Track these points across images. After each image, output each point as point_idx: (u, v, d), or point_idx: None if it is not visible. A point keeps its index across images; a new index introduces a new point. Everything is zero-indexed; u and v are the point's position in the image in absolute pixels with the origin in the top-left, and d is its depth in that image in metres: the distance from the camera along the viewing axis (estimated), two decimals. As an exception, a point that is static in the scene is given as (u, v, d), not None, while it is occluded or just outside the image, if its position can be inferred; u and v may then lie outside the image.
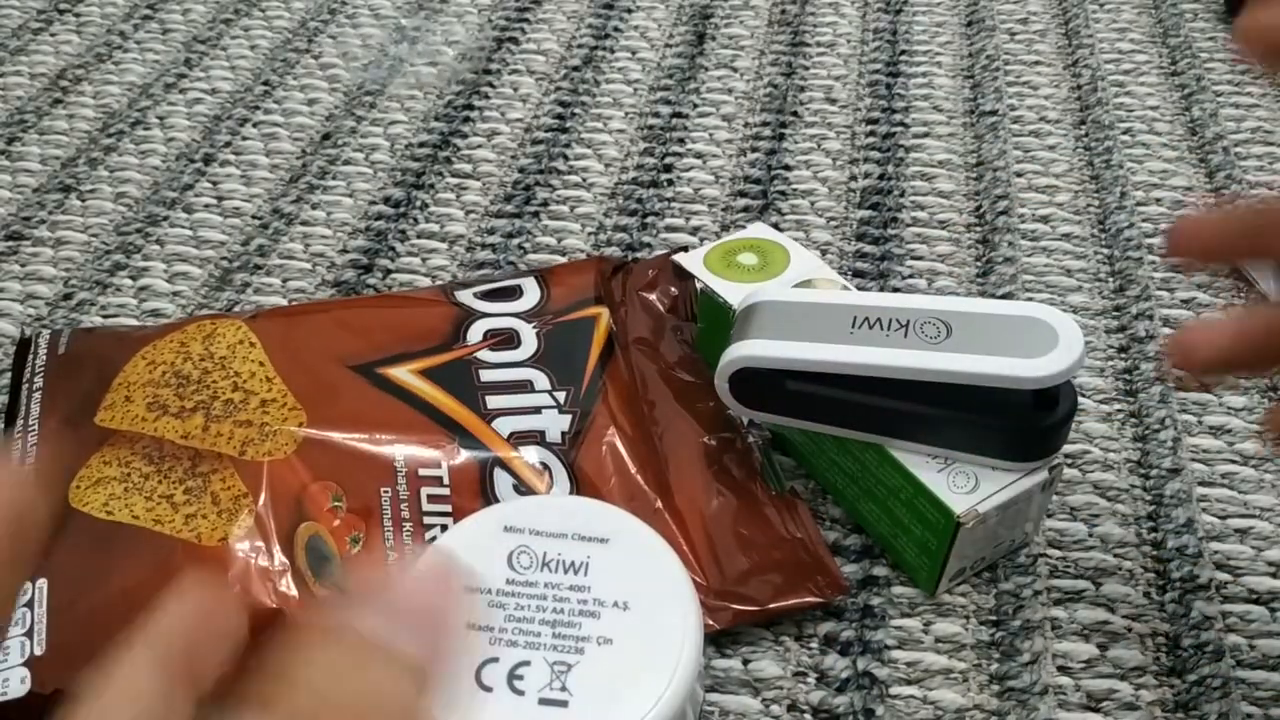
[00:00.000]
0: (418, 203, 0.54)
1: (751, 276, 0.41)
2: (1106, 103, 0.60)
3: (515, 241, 0.51)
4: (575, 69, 0.63)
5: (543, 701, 0.24)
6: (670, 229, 0.52)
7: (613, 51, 0.65)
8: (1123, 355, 0.46)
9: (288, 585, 0.33)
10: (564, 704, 0.24)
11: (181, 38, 0.66)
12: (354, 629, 0.18)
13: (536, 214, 0.53)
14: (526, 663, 0.25)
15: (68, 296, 0.49)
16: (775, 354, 0.35)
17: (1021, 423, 0.34)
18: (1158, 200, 0.53)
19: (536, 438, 0.37)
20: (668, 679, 0.25)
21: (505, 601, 0.26)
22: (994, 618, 0.37)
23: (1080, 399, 0.44)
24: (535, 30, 0.66)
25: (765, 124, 0.59)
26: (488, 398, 0.38)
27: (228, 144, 0.57)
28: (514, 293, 0.42)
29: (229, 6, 0.68)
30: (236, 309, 0.48)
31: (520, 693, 0.25)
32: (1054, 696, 0.35)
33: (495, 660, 0.25)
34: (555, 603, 0.26)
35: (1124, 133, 0.58)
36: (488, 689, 0.25)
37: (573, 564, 0.27)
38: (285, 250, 0.51)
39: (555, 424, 0.38)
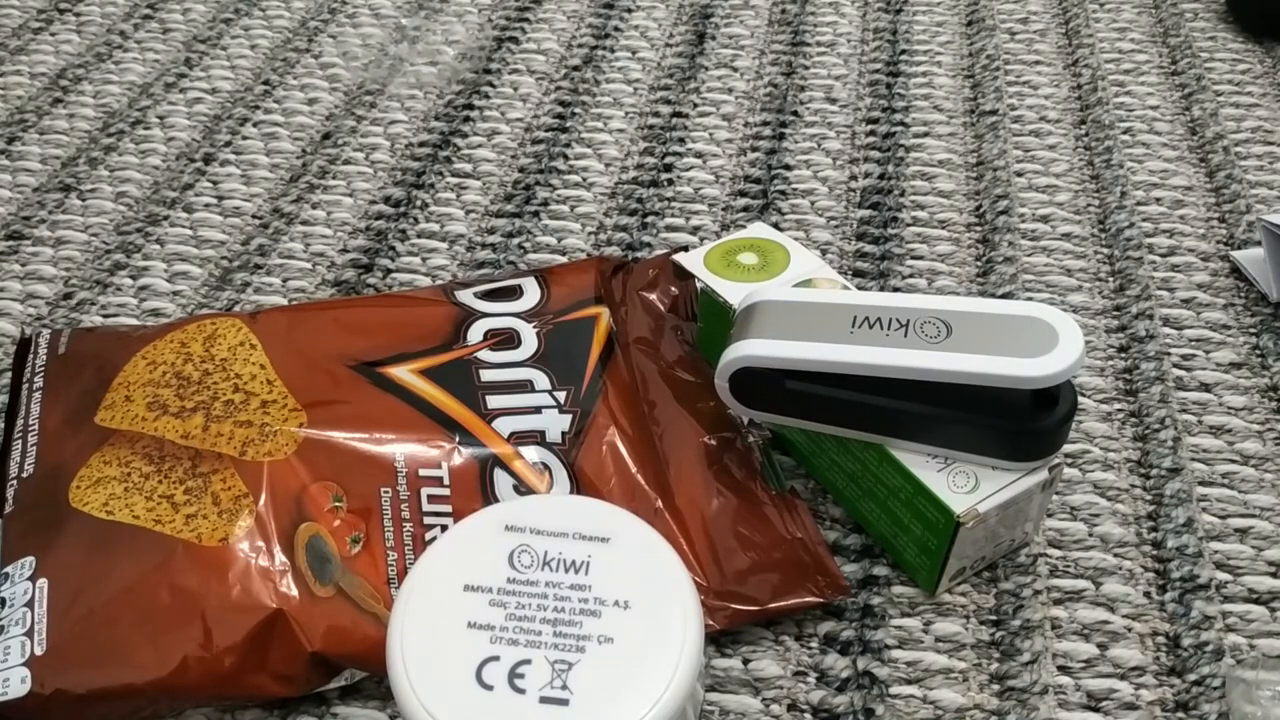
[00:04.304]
0: (418, 202, 0.54)
1: (752, 276, 0.41)
2: (1106, 102, 0.60)
3: (515, 241, 0.51)
4: (575, 68, 0.63)
5: (544, 700, 0.24)
6: (670, 229, 0.52)
7: (613, 51, 0.65)
8: (1123, 355, 0.46)
9: (288, 585, 0.33)
10: (565, 702, 0.24)
11: (181, 37, 0.66)
12: None
13: (536, 214, 0.53)
14: (527, 661, 0.25)
15: (68, 296, 0.49)
16: (775, 354, 0.35)
17: (1021, 422, 0.34)
18: (1158, 200, 0.53)
19: (537, 438, 0.37)
20: (668, 678, 0.25)
21: (506, 600, 0.26)
22: (994, 617, 0.37)
23: (1080, 399, 0.44)
24: (535, 30, 0.66)
25: (765, 123, 0.59)
26: (488, 397, 0.38)
27: (228, 143, 0.57)
28: (514, 292, 0.42)
29: (229, 6, 0.68)
30: (237, 309, 0.48)
31: (521, 691, 0.25)
32: (1054, 696, 0.35)
33: (496, 659, 0.25)
34: (556, 601, 0.26)
35: (1124, 133, 0.58)
36: (488, 687, 0.25)
37: (573, 563, 0.27)
38: (285, 250, 0.51)
39: (555, 424, 0.38)
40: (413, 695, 0.25)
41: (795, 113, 0.59)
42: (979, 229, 0.52)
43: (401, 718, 0.26)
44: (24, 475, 0.36)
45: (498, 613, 0.26)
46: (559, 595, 0.27)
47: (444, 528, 0.35)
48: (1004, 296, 0.48)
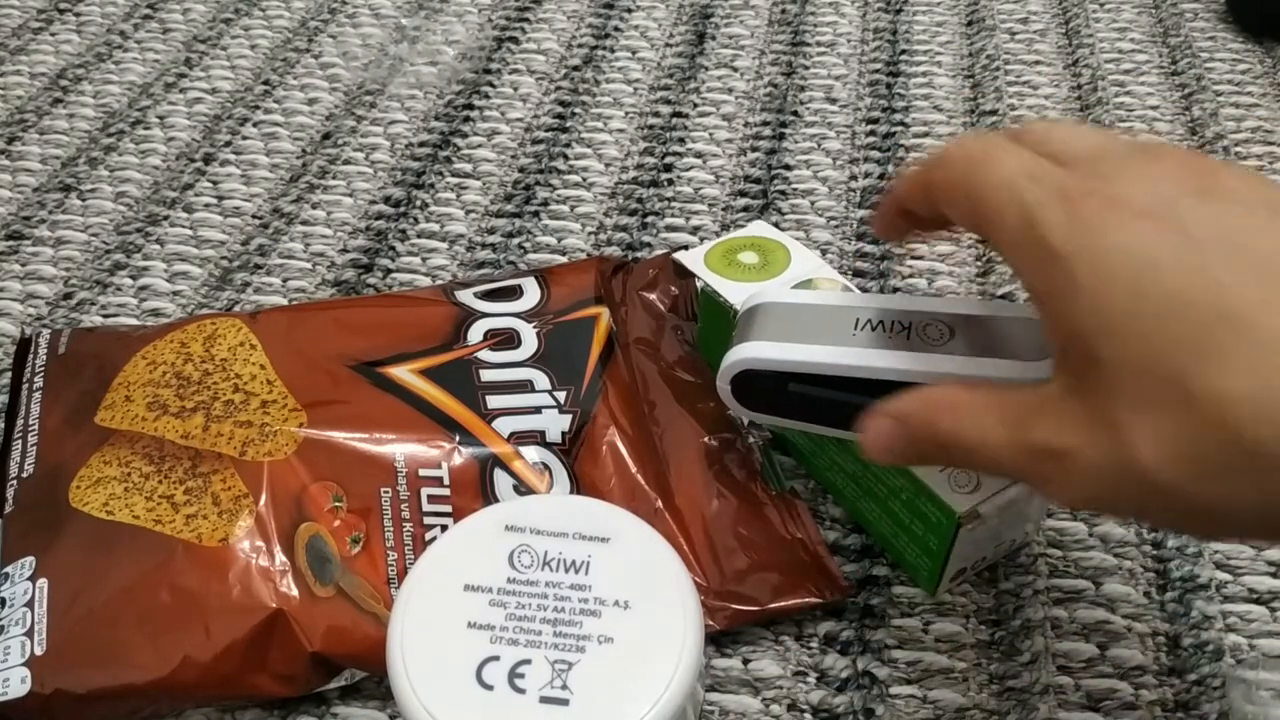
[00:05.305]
0: (418, 202, 0.54)
1: (752, 275, 0.41)
2: (1106, 103, 0.60)
3: (515, 241, 0.51)
4: (575, 68, 0.63)
5: (544, 700, 0.24)
6: (670, 228, 0.52)
7: (613, 51, 0.65)
8: (1123, 355, 0.46)
9: (288, 585, 0.33)
10: (565, 702, 0.24)
11: (181, 37, 0.66)
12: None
13: (536, 214, 0.53)
14: (527, 661, 0.25)
15: (68, 296, 0.49)
16: (777, 356, 0.35)
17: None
18: (1158, 200, 0.53)
19: (537, 438, 0.37)
20: (668, 678, 0.25)
21: (506, 600, 0.26)
22: (994, 617, 0.37)
23: (1080, 399, 0.44)
24: (535, 30, 0.66)
25: (765, 123, 0.59)
26: (488, 397, 0.38)
27: (228, 143, 0.57)
28: (514, 292, 0.42)
29: (229, 6, 0.68)
30: (236, 309, 0.48)
31: (521, 691, 0.25)
32: (1054, 696, 0.35)
33: (496, 659, 0.25)
34: (556, 601, 0.26)
35: (1124, 133, 0.58)
36: (489, 687, 0.25)
37: (574, 563, 0.27)
38: (285, 250, 0.51)
39: (555, 424, 0.38)
40: (413, 695, 0.25)
41: (795, 113, 0.59)
42: (979, 229, 0.52)
43: (401, 718, 0.26)
44: (24, 475, 0.36)
45: (498, 613, 0.26)
46: (559, 595, 0.27)
47: (444, 528, 0.35)
48: (1004, 297, 0.48)
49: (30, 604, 0.33)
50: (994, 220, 0.25)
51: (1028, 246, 0.24)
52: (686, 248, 0.50)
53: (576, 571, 0.27)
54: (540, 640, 0.26)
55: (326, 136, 0.58)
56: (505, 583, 0.27)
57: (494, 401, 0.38)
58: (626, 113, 0.60)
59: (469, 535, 0.28)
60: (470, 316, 0.41)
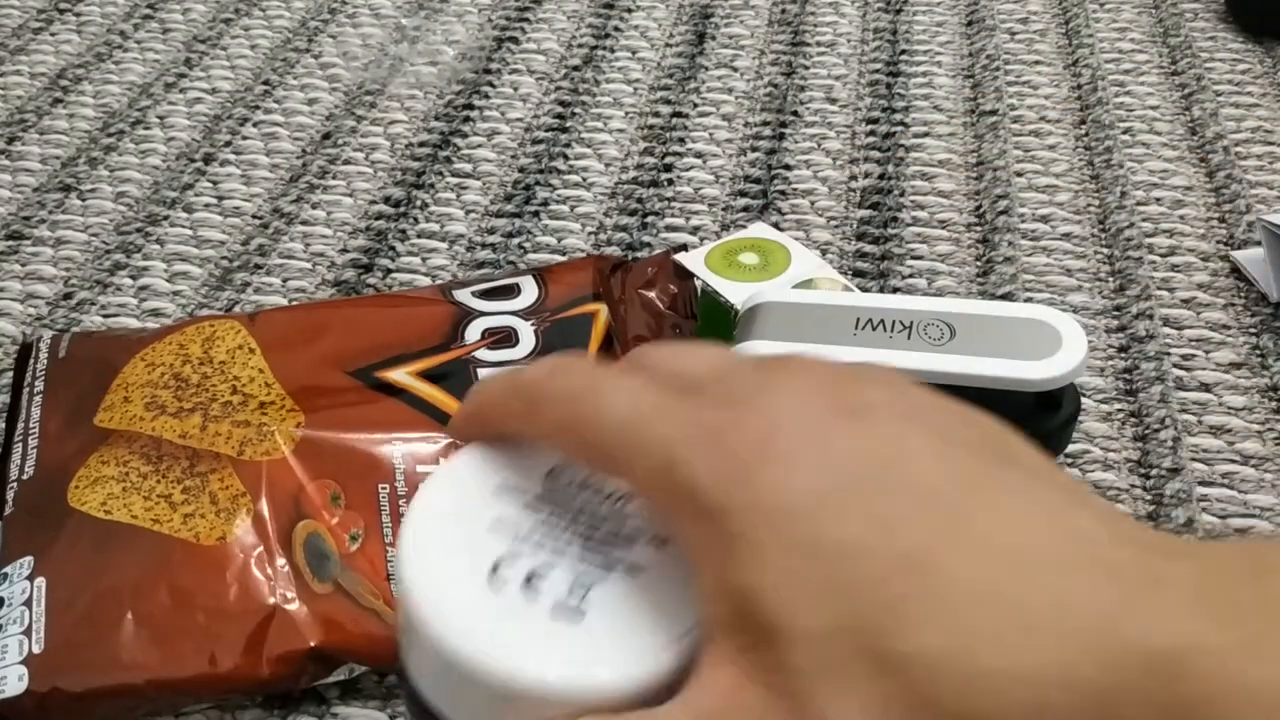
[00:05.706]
0: (418, 202, 0.54)
1: (753, 276, 0.41)
2: (1106, 102, 0.60)
3: (515, 241, 0.51)
4: (575, 69, 0.63)
5: (556, 609, 0.23)
6: (670, 228, 0.52)
7: (613, 51, 0.65)
8: (1123, 355, 0.46)
9: (287, 583, 0.33)
10: (577, 619, 0.23)
11: (181, 37, 0.66)
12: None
13: (536, 214, 0.53)
14: (551, 566, 0.23)
15: (68, 296, 0.49)
16: (776, 354, 0.35)
17: (1024, 425, 0.34)
18: (1158, 200, 0.53)
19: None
20: (689, 623, 0.23)
21: (540, 506, 0.25)
22: (994, 618, 0.37)
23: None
24: (535, 30, 0.66)
25: (765, 123, 0.59)
26: (487, 397, 0.38)
27: (228, 143, 0.57)
28: (512, 291, 0.42)
29: (229, 6, 0.68)
30: (236, 309, 0.48)
31: (535, 595, 0.23)
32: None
33: (517, 556, 0.23)
34: (591, 519, 0.25)
35: (1124, 133, 0.58)
36: (500, 586, 0.23)
37: (615, 492, 0.26)
38: (285, 250, 0.51)
39: (555, 423, 0.38)
40: (415, 583, 0.23)
41: (795, 113, 0.59)
42: (979, 229, 0.52)
43: (400, 609, 0.24)
44: (24, 478, 0.36)
45: (528, 516, 0.24)
46: (594, 514, 0.25)
47: (443, 527, 0.35)
48: (1004, 297, 0.48)
49: (28, 603, 0.33)
50: (623, 466, 0.22)
51: (670, 495, 0.21)
52: (686, 247, 0.50)
53: (617, 502, 0.25)
54: (566, 550, 0.24)
55: (326, 136, 0.58)
56: (541, 490, 0.25)
57: (493, 401, 0.38)
58: (626, 112, 0.59)
59: (513, 443, 0.26)
60: (468, 315, 0.41)
